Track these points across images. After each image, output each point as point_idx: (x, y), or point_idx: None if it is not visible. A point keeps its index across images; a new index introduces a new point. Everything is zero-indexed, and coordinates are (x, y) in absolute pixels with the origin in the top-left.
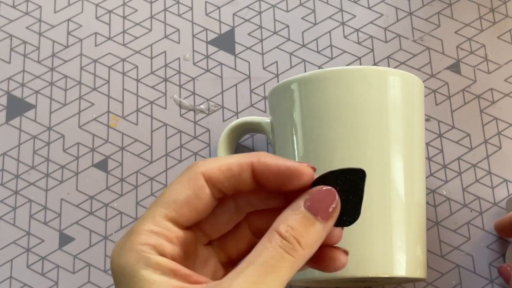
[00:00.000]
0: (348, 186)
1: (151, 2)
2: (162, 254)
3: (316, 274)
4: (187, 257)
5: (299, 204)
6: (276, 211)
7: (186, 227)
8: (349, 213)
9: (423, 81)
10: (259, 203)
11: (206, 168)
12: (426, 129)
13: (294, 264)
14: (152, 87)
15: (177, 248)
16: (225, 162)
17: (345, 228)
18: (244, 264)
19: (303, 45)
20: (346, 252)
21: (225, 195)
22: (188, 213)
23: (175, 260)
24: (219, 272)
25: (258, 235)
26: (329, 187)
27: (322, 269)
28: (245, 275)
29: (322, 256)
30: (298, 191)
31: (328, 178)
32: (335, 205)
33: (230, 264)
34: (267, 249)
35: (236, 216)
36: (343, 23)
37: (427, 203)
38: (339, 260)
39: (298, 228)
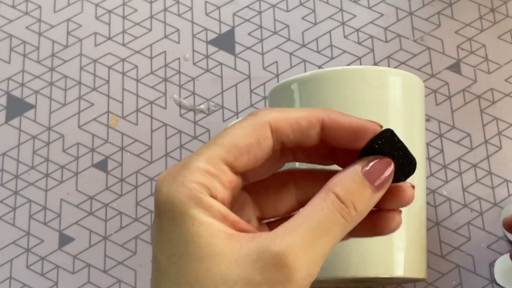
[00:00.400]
0: (390, 148)
1: (151, 2)
2: (214, 196)
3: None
4: (233, 200)
5: (357, 169)
6: (324, 176)
7: (237, 172)
8: (402, 170)
9: (424, 81)
10: (309, 157)
11: (274, 118)
12: (426, 129)
13: (346, 229)
14: (152, 87)
15: (228, 193)
16: (294, 115)
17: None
18: (297, 221)
19: (303, 45)
20: (399, 212)
21: (284, 146)
22: (246, 160)
23: (225, 204)
24: (252, 224)
25: (301, 199)
26: (388, 159)
27: (375, 233)
28: (299, 234)
29: (373, 221)
30: (351, 154)
31: (387, 140)
32: (390, 177)
33: (263, 218)
34: (323, 210)
35: (279, 163)
36: (343, 23)
37: (427, 203)
38: (395, 220)
39: (355, 193)
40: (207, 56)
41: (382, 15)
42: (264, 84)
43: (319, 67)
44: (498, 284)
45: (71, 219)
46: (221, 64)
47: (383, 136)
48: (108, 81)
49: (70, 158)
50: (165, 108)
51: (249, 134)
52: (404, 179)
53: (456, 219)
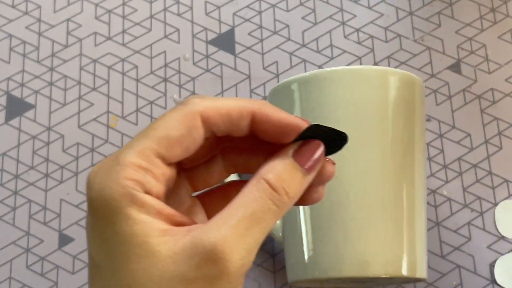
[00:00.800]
0: (328, 143)
1: (150, 2)
2: (148, 192)
3: (316, 274)
4: (167, 191)
5: (288, 154)
6: (254, 151)
7: (170, 163)
8: (335, 143)
9: (424, 81)
10: (242, 143)
11: (205, 108)
12: (426, 129)
13: (278, 215)
14: (152, 87)
15: (162, 186)
16: (225, 105)
17: (345, 228)
18: (230, 212)
19: (303, 45)
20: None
21: (214, 136)
22: (179, 151)
23: (160, 198)
24: (186, 203)
25: (230, 169)
26: (318, 141)
27: (298, 204)
28: (232, 225)
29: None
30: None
31: (314, 131)
32: (320, 158)
33: (193, 191)
34: (255, 199)
35: (214, 149)
36: (343, 23)
37: (427, 203)
38: (317, 192)
39: (287, 178)
40: (207, 56)
41: (382, 15)
42: (264, 84)
43: (319, 67)
44: (498, 285)
45: (71, 219)
46: (221, 64)
47: (310, 128)
48: (108, 81)
49: (70, 158)
50: (165, 108)
51: (180, 125)
52: (339, 149)
53: (456, 219)
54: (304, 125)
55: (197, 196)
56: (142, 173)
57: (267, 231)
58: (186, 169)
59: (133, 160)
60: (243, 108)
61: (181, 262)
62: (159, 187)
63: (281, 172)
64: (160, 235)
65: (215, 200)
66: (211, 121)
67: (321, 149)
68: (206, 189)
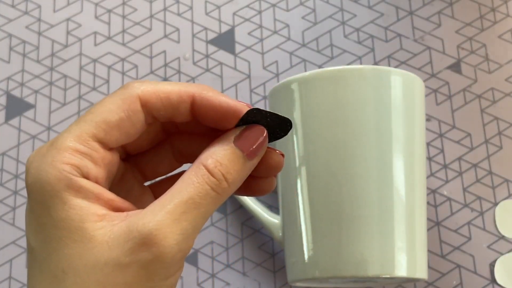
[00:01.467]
0: (273, 129)
1: (150, 2)
2: (85, 176)
3: (316, 274)
4: (108, 176)
5: (229, 139)
6: (201, 136)
7: (111, 148)
8: (280, 128)
9: (424, 81)
10: (187, 129)
11: (144, 92)
12: (426, 129)
13: (218, 201)
14: None
15: (101, 171)
16: (164, 89)
17: (345, 228)
18: (167, 197)
19: (303, 45)
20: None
21: (156, 120)
22: (118, 135)
23: (99, 182)
24: (134, 191)
25: (179, 158)
26: (260, 126)
27: (250, 195)
28: (168, 210)
29: (249, 185)
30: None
31: (256, 116)
32: (263, 144)
33: (144, 180)
34: (193, 184)
35: (160, 136)
36: (343, 23)
37: (427, 203)
38: (268, 182)
39: (226, 164)
40: (207, 56)
41: (383, 14)
42: (264, 83)
43: (319, 66)
44: (498, 284)
45: None
46: (221, 63)
47: (251, 111)
48: (108, 81)
49: None
50: None
51: (119, 108)
52: (284, 134)
53: (456, 219)
54: (245, 108)
55: (149, 186)
56: (80, 157)
57: (207, 216)
58: (134, 157)
59: (70, 144)
60: (182, 91)
61: (116, 247)
62: (98, 172)
63: (220, 158)
64: (97, 220)
65: (166, 189)
66: (150, 105)
67: (263, 135)
68: (157, 179)
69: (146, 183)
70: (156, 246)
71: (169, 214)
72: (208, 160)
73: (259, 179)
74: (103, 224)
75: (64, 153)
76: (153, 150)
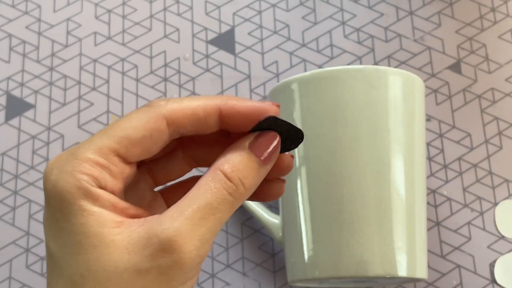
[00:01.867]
0: (285, 138)
1: (150, 2)
2: (103, 187)
3: (316, 274)
4: (124, 187)
5: (244, 145)
6: (213, 141)
7: (130, 162)
8: (291, 139)
9: (424, 81)
10: (201, 136)
11: (170, 111)
12: (426, 129)
13: (235, 206)
14: (152, 87)
15: (118, 183)
16: (190, 106)
17: (345, 228)
18: (185, 203)
19: (303, 45)
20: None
21: (182, 136)
22: (139, 152)
23: (116, 194)
24: (146, 197)
25: (190, 163)
26: (274, 133)
27: (259, 200)
28: (187, 216)
29: (261, 190)
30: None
31: (270, 123)
32: (276, 149)
33: (155, 186)
34: (211, 190)
35: (174, 144)
36: (343, 23)
37: (427, 203)
38: (278, 186)
39: (243, 169)
40: (207, 56)
41: (383, 14)
42: (264, 83)
43: (319, 66)
44: (498, 285)
45: None
46: (221, 63)
47: (267, 120)
48: (107, 81)
49: None
50: None
51: (143, 127)
52: (295, 147)
53: (456, 219)
54: (272, 108)
55: (160, 191)
56: (99, 169)
57: (223, 221)
58: (146, 164)
59: (90, 156)
60: (208, 105)
61: (135, 252)
62: (115, 184)
63: (237, 163)
64: (115, 226)
65: (177, 194)
66: (178, 123)
67: (276, 140)
68: (168, 184)
69: (156, 189)
70: (176, 252)
71: (187, 220)
72: (224, 165)
73: (270, 185)
74: (121, 229)
75: (84, 163)
76: (165, 157)
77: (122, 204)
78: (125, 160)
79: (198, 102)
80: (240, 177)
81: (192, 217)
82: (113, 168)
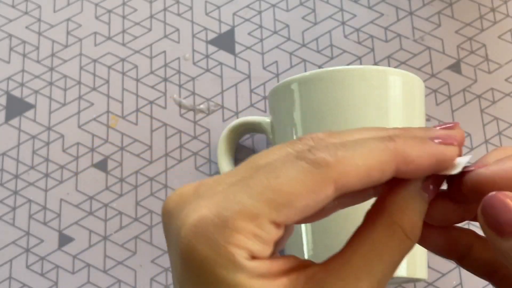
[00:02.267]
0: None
1: (150, 2)
2: (255, 257)
3: None
4: (275, 250)
5: (422, 196)
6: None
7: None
8: None
9: (424, 81)
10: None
11: (340, 175)
12: None
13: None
14: (152, 87)
15: (269, 249)
16: (364, 165)
17: (345, 228)
18: (367, 260)
19: (303, 45)
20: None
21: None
22: (297, 219)
23: (265, 259)
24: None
25: (338, 208)
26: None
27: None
28: (378, 279)
29: None
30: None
31: None
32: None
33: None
34: (392, 250)
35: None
36: (343, 23)
37: None
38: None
39: (420, 223)
40: (207, 56)
41: (382, 14)
42: (264, 84)
43: (319, 67)
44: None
45: (71, 219)
46: (221, 64)
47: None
48: (108, 81)
49: (69, 158)
50: (165, 108)
51: (308, 195)
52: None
53: None
54: (453, 152)
55: None
56: (255, 241)
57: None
58: None
59: (246, 225)
60: (385, 164)
61: None
62: (266, 251)
63: (416, 221)
64: None
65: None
66: (347, 187)
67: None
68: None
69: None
70: None
71: (373, 278)
72: (404, 223)
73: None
74: None
75: (238, 235)
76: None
77: (275, 268)
78: (280, 226)
79: (372, 160)
80: (417, 234)
81: (380, 280)
82: (266, 236)
